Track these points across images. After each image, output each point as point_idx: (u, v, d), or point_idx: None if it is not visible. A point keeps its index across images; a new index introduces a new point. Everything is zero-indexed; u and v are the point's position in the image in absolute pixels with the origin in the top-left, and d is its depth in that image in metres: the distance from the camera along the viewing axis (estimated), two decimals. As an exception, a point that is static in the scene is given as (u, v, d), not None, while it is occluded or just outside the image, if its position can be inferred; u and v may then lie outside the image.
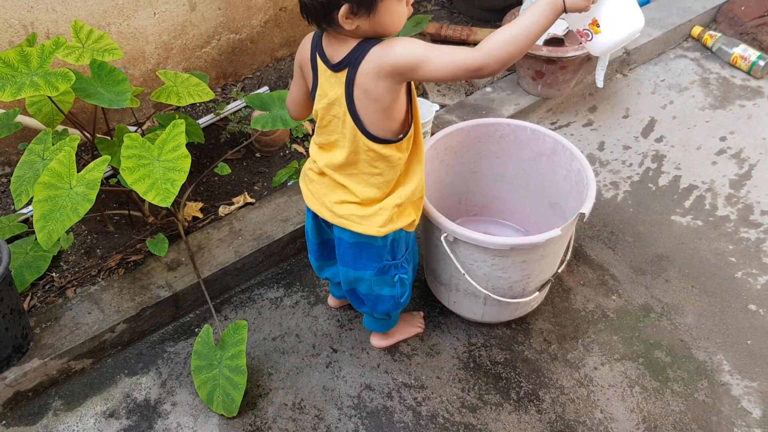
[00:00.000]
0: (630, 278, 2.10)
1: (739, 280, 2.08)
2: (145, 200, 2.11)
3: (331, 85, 1.33)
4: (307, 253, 2.13)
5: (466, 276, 1.70)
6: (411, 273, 1.70)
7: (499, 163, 2.01)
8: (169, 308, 1.93)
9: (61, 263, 2.03)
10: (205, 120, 2.50)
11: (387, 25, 1.27)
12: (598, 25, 1.36)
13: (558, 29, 2.38)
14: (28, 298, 1.92)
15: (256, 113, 2.37)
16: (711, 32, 2.93)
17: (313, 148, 1.52)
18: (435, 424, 1.75)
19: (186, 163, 1.66)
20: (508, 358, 1.89)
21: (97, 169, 1.63)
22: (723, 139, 2.57)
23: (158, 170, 1.65)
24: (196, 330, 1.97)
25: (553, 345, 1.92)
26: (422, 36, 2.78)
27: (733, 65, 2.86)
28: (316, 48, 1.35)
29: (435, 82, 1.29)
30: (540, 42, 2.39)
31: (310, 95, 1.43)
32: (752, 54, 2.78)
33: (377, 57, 1.26)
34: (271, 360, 1.89)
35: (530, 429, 1.74)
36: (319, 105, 1.38)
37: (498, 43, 1.22)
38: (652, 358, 1.89)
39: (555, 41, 2.40)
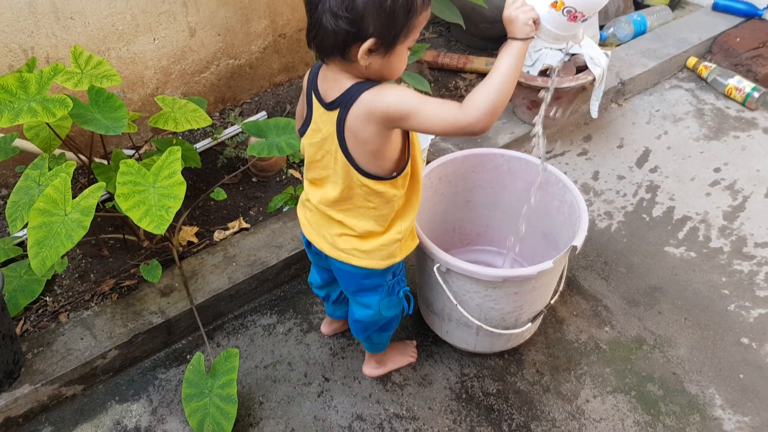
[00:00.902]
0: (623, 309, 2.10)
1: (732, 312, 2.08)
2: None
3: (324, 122, 1.34)
4: (301, 280, 2.16)
5: (459, 307, 1.71)
6: None
7: (493, 192, 2.02)
8: (161, 334, 1.93)
9: (55, 287, 2.03)
10: (202, 144, 2.51)
11: (395, 67, 1.28)
12: (576, 11, 1.35)
13: (553, 60, 2.40)
14: (21, 322, 1.92)
15: (253, 140, 2.39)
16: (706, 63, 2.96)
17: (305, 183, 1.52)
18: (426, 456, 1.74)
19: (181, 190, 1.67)
20: (501, 389, 1.89)
21: (92, 195, 1.64)
22: (717, 170, 2.58)
23: (153, 197, 1.66)
24: (188, 357, 1.97)
25: (546, 376, 1.92)
26: (419, 64, 2.80)
27: (727, 96, 2.88)
28: (312, 84, 1.36)
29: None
30: (535, 72, 2.41)
31: (300, 130, 1.44)
32: (747, 85, 2.81)
33: (369, 102, 1.26)
34: (263, 388, 1.89)
35: (521, 462, 1.73)
36: (312, 140, 1.39)
37: (482, 98, 1.23)
38: (644, 391, 1.89)
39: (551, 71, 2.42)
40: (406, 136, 1.40)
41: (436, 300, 1.82)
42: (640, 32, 3.07)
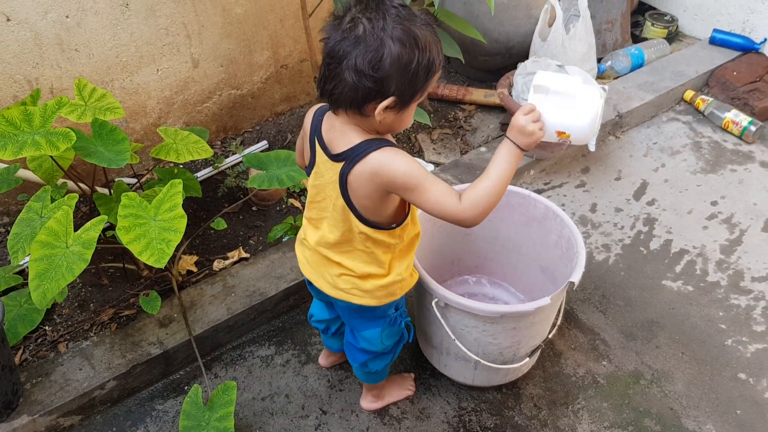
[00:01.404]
0: (621, 343, 2.10)
1: (729, 347, 2.09)
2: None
3: (327, 170, 1.35)
4: (299, 310, 2.16)
5: (457, 342, 1.71)
6: None
7: (491, 225, 2.03)
8: (159, 365, 1.93)
9: (55, 316, 2.04)
10: (203, 173, 2.53)
11: (406, 122, 1.32)
12: (564, 133, 1.42)
13: (552, 94, 2.43)
14: (20, 351, 1.93)
15: (254, 171, 2.41)
16: (703, 96, 3.00)
17: (304, 222, 1.54)
18: (423, 491, 1.74)
19: (182, 224, 1.68)
20: (498, 423, 1.89)
21: (94, 228, 1.65)
22: (714, 203, 2.60)
23: (154, 230, 1.67)
24: (186, 388, 1.97)
25: (544, 411, 1.92)
26: (419, 95, 2.83)
27: (725, 129, 2.91)
28: (315, 130, 1.37)
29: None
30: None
31: (306, 170, 1.45)
32: (744, 119, 2.84)
33: (377, 164, 1.28)
34: (260, 421, 1.89)
35: (518, 498, 1.73)
36: (315, 182, 1.40)
37: (481, 199, 1.29)
38: (641, 426, 1.88)
39: (549, 105, 2.45)
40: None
41: (434, 334, 1.83)
42: (637, 65, 3.11)
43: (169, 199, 1.74)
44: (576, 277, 1.68)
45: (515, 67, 2.64)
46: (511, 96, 2.53)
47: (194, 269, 2.24)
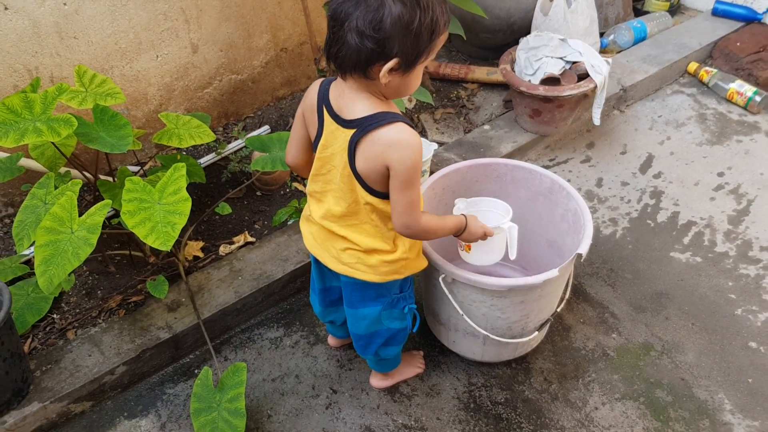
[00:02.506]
0: (630, 316, 2.10)
1: (739, 317, 2.08)
2: (146, 240, 2.14)
3: (335, 138, 1.34)
4: (306, 293, 2.16)
5: (465, 317, 1.71)
6: None
7: (497, 202, 2.02)
8: (168, 350, 1.93)
9: (63, 304, 2.04)
10: (206, 159, 2.52)
11: (412, 85, 1.31)
12: (469, 249, 1.68)
13: (554, 69, 2.41)
14: (29, 339, 1.93)
15: (257, 154, 2.41)
16: (707, 68, 2.97)
17: (308, 198, 1.53)
18: (435, 467, 1.74)
19: (186, 207, 1.68)
20: (509, 398, 1.89)
21: (99, 213, 1.65)
22: (721, 174, 2.58)
23: (159, 213, 1.67)
24: (196, 371, 1.97)
25: (554, 384, 1.92)
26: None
27: (729, 101, 2.89)
28: (323, 99, 1.36)
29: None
30: (536, 81, 2.42)
31: (313, 144, 1.43)
32: (748, 89, 2.81)
33: (389, 141, 1.28)
34: (271, 401, 1.89)
35: (531, 471, 1.73)
36: (322, 153, 1.39)
37: (424, 231, 1.44)
38: (653, 397, 1.88)
39: (551, 80, 2.43)
40: None
41: (442, 310, 1.82)
42: (640, 39, 3.08)
43: (173, 183, 1.73)
44: (583, 249, 1.67)
45: (517, 43, 2.62)
46: (514, 72, 2.51)
47: (201, 255, 2.23)
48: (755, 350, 1.98)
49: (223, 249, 2.24)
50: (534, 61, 2.43)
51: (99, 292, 2.07)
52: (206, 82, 2.55)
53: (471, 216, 1.57)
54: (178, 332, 1.92)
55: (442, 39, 1.28)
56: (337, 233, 1.47)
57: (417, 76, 1.29)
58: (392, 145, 1.28)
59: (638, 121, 2.85)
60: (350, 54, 1.22)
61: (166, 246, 1.60)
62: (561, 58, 2.43)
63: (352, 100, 1.31)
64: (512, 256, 1.68)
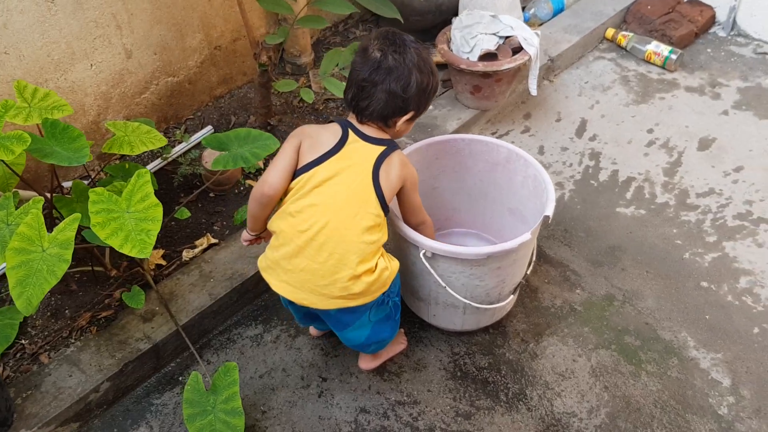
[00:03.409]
0: (589, 271, 2.21)
1: (688, 260, 2.23)
2: (105, 254, 2.08)
3: (356, 151, 1.58)
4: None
5: (448, 288, 1.76)
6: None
7: (457, 176, 2.08)
8: (150, 360, 1.90)
9: (29, 329, 1.96)
10: (153, 166, 2.47)
11: (409, 129, 1.69)
12: None
13: (490, 44, 2.49)
14: (0, 368, 1.85)
15: (208, 154, 2.37)
16: (624, 32, 3.14)
17: (283, 222, 1.57)
18: (433, 437, 1.80)
19: (158, 212, 1.65)
20: (492, 362, 1.96)
21: (69, 228, 1.59)
22: (650, 131, 2.75)
23: (130, 222, 1.63)
24: (180, 378, 1.94)
25: (531, 343, 2.01)
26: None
27: (648, 61, 3.06)
28: (347, 125, 1.61)
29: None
30: (474, 58, 2.49)
31: (313, 161, 1.56)
32: (664, 49, 3.00)
33: (404, 160, 1.63)
34: (262, 397, 1.89)
35: (524, 427, 1.81)
36: (336, 165, 1.55)
37: (429, 221, 1.80)
38: (623, 343, 2.00)
39: (488, 56, 2.51)
40: None
41: (421, 286, 1.87)
42: (558, 10, 3.22)
43: (139, 190, 1.70)
44: (550, 210, 1.76)
45: (446, 24, 2.69)
46: (452, 51, 2.57)
47: (163, 262, 2.19)
48: (707, 289, 2.14)
49: (187, 254, 2.21)
50: (470, 39, 2.50)
51: (66, 311, 2.00)
52: (143, 87, 2.49)
53: None
54: (157, 341, 1.89)
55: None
56: (318, 264, 1.53)
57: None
58: (406, 164, 1.64)
59: (567, 88, 2.98)
60: (380, 108, 1.56)
61: (144, 254, 1.58)
62: (494, 34, 2.51)
63: (371, 128, 1.62)
64: None
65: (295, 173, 1.57)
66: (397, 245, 1.86)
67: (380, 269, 1.57)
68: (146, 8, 2.33)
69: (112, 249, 2.14)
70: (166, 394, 1.90)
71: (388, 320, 1.74)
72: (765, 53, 3.10)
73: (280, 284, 1.60)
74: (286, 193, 1.59)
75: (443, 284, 1.75)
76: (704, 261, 2.22)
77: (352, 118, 1.64)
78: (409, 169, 1.64)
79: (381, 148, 1.59)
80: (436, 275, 1.75)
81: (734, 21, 3.20)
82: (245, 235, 1.79)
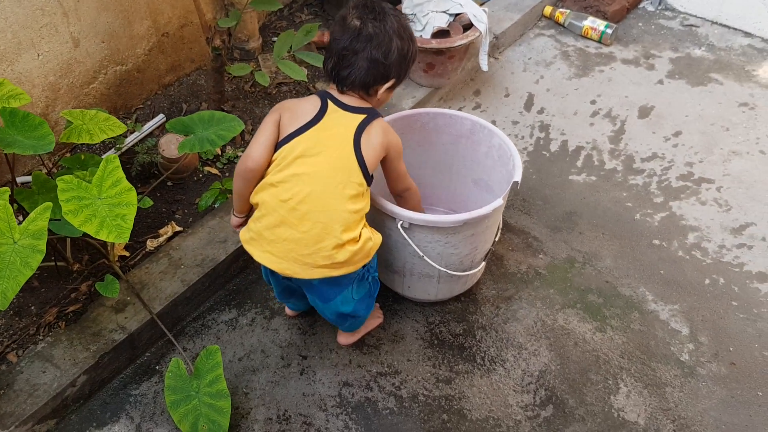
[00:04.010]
0: (549, 237, 2.30)
1: (639, 221, 2.35)
2: (66, 248, 2.02)
3: (337, 121, 1.59)
4: (250, 270, 2.16)
5: (425, 258, 1.80)
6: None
7: (422, 151, 2.13)
8: (125, 350, 1.86)
9: (-7, 329, 1.89)
10: (107, 155, 2.40)
11: (390, 97, 1.70)
12: None
13: (441, 22, 2.54)
14: (-34, 372, 1.78)
15: (164, 140, 2.33)
16: (561, 9, 3.25)
17: (265, 193, 1.58)
18: (418, 403, 1.84)
19: (132, 196, 1.62)
20: (466, 328, 2.02)
21: (41, 218, 1.55)
22: (593, 102, 2.86)
23: (103, 208, 1.60)
24: (157, 367, 1.92)
25: (502, 308, 2.08)
26: (308, 46, 2.84)
27: (585, 36, 3.19)
28: (325, 93, 1.63)
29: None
30: (427, 35, 2.54)
31: (294, 132, 1.57)
32: (600, 24, 3.12)
33: (386, 128, 1.64)
34: (244, 380, 1.89)
35: (503, 387, 1.87)
36: (318, 134, 1.56)
37: (414, 188, 1.83)
38: (587, 302, 2.10)
39: (440, 33, 2.56)
40: None
41: (396, 258, 1.91)
42: (498, -11, 3.30)
43: (109, 176, 1.66)
44: (518, 176, 1.82)
45: (395, 4, 2.72)
46: (403, 30, 2.61)
47: (126, 253, 2.15)
48: (659, 246, 2.26)
49: (151, 243, 2.17)
50: (421, 17, 2.55)
51: (31, 308, 1.94)
52: (91, 77, 2.42)
53: None
54: (132, 331, 1.85)
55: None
56: (302, 233, 1.54)
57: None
58: (388, 132, 1.65)
59: (512, 65, 3.07)
60: (361, 76, 1.57)
61: (122, 238, 1.55)
62: (445, 12, 2.56)
63: (351, 98, 1.63)
64: None
65: (277, 146, 1.57)
66: (371, 217, 1.88)
67: (364, 239, 1.60)
68: (92, -6, 2.27)
69: (73, 243, 2.09)
70: (144, 384, 1.88)
71: (367, 297, 1.76)
72: (691, 25, 3.28)
73: (263, 255, 1.60)
74: (268, 166, 1.59)
75: (421, 254, 1.79)
76: (654, 221, 2.35)
77: (332, 89, 1.65)
78: (391, 137, 1.65)
79: (361, 117, 1.60)
80: (414, 245, 1.79)
81: (662, -4, 3.37)
82: (234, 219, 1.78)
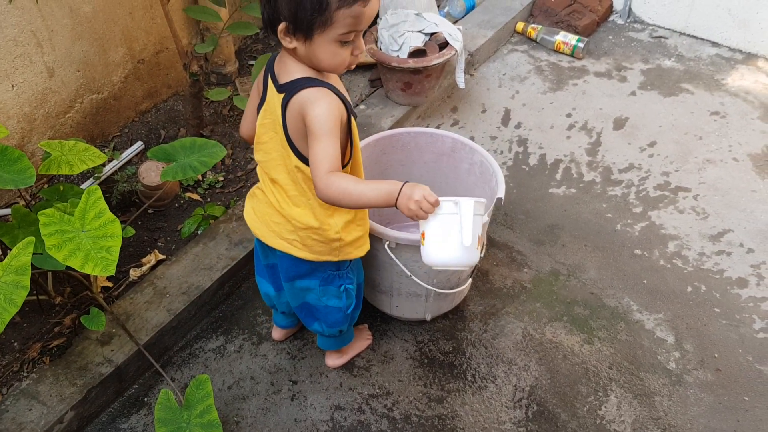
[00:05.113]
0: (533, 250, 2.32)
1: (620, 231, 2.38)
2: (48, 281, 1.99)
3: (274, 104, 1.43)
4: (236, 296, 2.14)
5: (413, 277, 1.81)
6: (357, 285, 1.78)
7: (404, 170, 2.14)
8: (113, 384, 1.83)
9: (-26, 368, 1.85)
10: (86, 186, 2.38)
11: (320, 59, 1.36)
12: (424, 238, 1.42)
13: (418, 42, 2.56)
14: (-52, 413, 1.74)
15: (144, 168, 2.31)
16: (532, 25, 3.30)
17: (258, 170, 1.61)
18: (411, 424, 1.83)
19: (116, 228, 1.61)
20: (456, 346, 2.02)
21: (24, 252, 1.52)
22: (569, 115, 2.90)
23: (87, 241, 1.58)
24: (145, 399, 1.89)
25: (490, 324, 2.08)
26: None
27: (557, 51, 3.24)
28: (269, 67, 1.45)
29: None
30: (404, 56, 2.56)
31: (257, 108, 1.51)
32: (572, 38, 3.17)
33: (305, 100, 1.36)
34: (234, 408, 1.87)
35: (495, 404, 1.88)
36: (263, 120, 1.48)
37: (341, 190, 1.35)
38: (573, 314, 2.11)
39: (417, 53, 2.58)
40: (348, 138, 1.49)
41: (383, 278, 1.91)
42: (470, 7, 3.34)
43: (92, 207, 1.64)
44: (501, 192, 1.84)
45: (370, 26, 2.74)
46: (381, 50, 2.63)
47: (109, 284, 2.12)
48: (641, 256, 2.29)
49: (134, 273, 2.15)
50: (397, 37, 2.57)
51: (14, 344, 1.90)
52: (67, 106, 2.39)
53: (415, 183, 1.41)
54: (119, 364, 1.83)
55: (344, 16, 1.29)
56: (275, 206, 1.55)
57: (322, 49, 1.34)
58: (306, 102, 1.36)
59: (488, 81, 3.10)
60: (264, 18, 1.36)
61: (108, 271, 1.53)
62: (420, 31, 2.59)
63: (285, 65, 1.41)
64: (465, 241, 1.38)
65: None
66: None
67: (328, 230, 1.54)
68: (67, 24, 2.25)
69: (55, 275, 2.06)
70: (132, 417, 1.85)
71: (337, 311, 1.73)
72: (660, 37, 3.34)
73: (249, 210, 1.64)
74: None
75: (409, 273, 1.80)
76: (634, 230, 2.38)
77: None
78: (307, 111, 1.36)
79: (281, 96, 1.40)
80: (402, 266, 1.79)
81: (630, 9, 3.44)
82: None
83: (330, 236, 1.56)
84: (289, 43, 1.35)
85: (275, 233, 1.58)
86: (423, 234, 1.42)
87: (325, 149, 1.35)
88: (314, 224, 1.54)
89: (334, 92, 1.39)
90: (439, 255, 1.42)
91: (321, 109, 1.35)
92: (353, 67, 1.43)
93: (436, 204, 1.38)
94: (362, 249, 1.68)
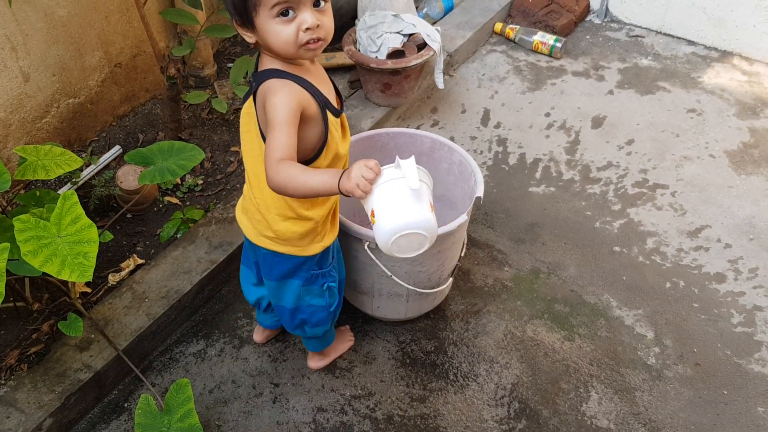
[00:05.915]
0: (513, 249, 2.33)
1: (599, 229, 2.40)
2: (25, 287, 1.97)
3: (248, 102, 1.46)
4: (216, 300, 2.13)
5: (394, 277, 1.81)
6: (338, 282, 1.78)
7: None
8: (92, 390, 1.82)
9: (-50, 376, 1.83)
10: (63, 191, 2.36)
11: (270, 43, 1.32)
12: (374, 216, 1.32)
13: (396, 43, 2.57)
14: (-76, 423, 1.71)
15: (122, 172, 2.30)
16: (511, 26, 3.32)
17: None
18: (393, 424, 1.83)
19: (93, 233, 1.59)
20: (438, 345, 2.03)
21: (-2, 259, 1.51)
22: (547, 115, 2.92)
23: (63, 247, 1.57)
24: (125, 405, 1.87)
25: (471, 323, 2.09)
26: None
27: (536, 51, 3.26)
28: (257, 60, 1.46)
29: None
30: (383, 57, 2.56)
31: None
32: (549, 38, 3.20)
33: (266, 90, 1.36)
34: (215, 412, 1.86)
35: (477, 402, 1.88)
36: (249, 108, 1.47)
37: (286, 177, 1.30)
38: (554, 312, 2.13)
39: (396, 54, 2.59)
40: (324, 134, 1.45)
41: (364, 279, 1.91)
42: (449, 8, 3.35)
43: (68, 213, 1.63)
44: (480, 191, 1.84)
45: (347, 27, 2.75)
46: (359, 51, 2.63)
47: (88, 289, 2.10)
48: (620, 252, 2.31)
49: (113, 278, 2.13)
50: (376, 38, 2.57)
51: (-9, 352, 1.88)
52: (44, 111, 2.37)
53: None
54: (98, 369, 1.81)
55: (266, 2, 1.28)
56: (253, 200, 1.55)
57: (266, 31, 1.31)
58: (266, 92, 1.35)
59: (467, 81, 3.11)
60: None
61: (85, 277, 1.51)
62: (399, 33, 2.59)
63: (262, 60, 1.42)
64: (412, 184, 1.24)
65: None
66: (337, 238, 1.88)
67: (301, 225, 1.54)
68: (42, 28, 2.23)
69: (32, 281, 2.04)
70: (112, 423, 1.83)
71: (322, 310, 1.72)
72: (637, 36, 3.38)
73: (239, 207, 1.66)
74: None
75: (389, 273, 1.80)
76: (613, 228, 2.40)
77: None
78: (266, 101, 1.35)
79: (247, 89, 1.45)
80: (382, 266, 1.79)
81: (607, 8, 3.47)
82: None
83: (308, 227, 1.55)
84: (249, 38, 1.35)
85: (255, 229, 1.59)
86: (372, 212, 1.31)
87: (278, 138, 1.32)
88: (289, 214, 1.53)
89: (300, 84, 1.37)
90: (390, 222, 1.29)
91: (277, 98, 1.33)
92: (315, 47, 1.34)
93: (375, 168, 1.28)
94: (334, 233, 1.66)
